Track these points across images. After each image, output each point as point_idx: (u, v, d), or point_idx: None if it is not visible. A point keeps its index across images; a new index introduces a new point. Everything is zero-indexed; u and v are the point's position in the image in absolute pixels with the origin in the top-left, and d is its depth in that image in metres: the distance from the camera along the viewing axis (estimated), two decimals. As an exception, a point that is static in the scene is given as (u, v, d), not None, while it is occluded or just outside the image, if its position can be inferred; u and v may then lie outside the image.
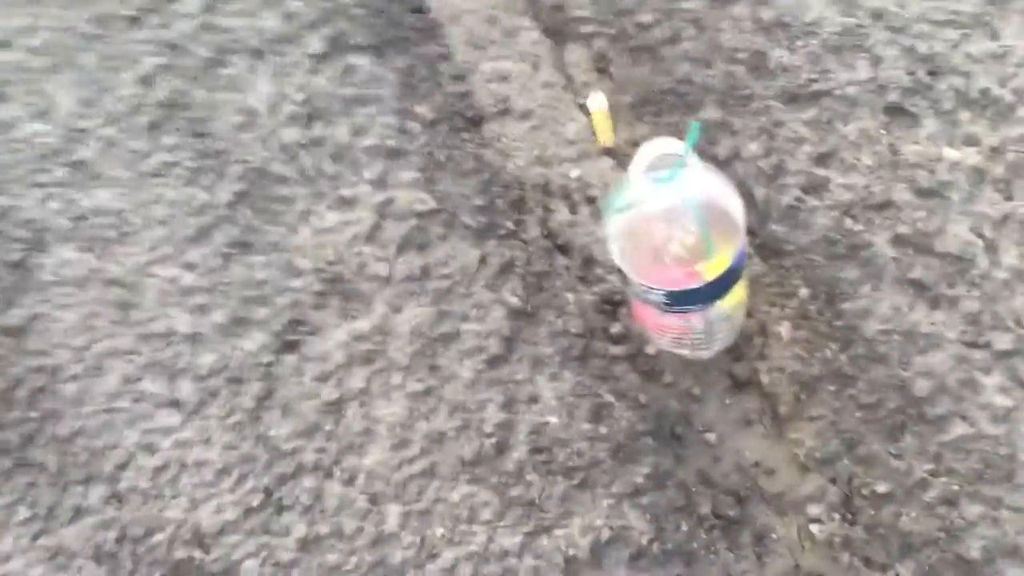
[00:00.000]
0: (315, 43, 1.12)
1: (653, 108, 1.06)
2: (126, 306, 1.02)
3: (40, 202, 1.08)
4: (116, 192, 1.07)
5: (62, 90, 1.13)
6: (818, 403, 0.89)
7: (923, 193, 0.93)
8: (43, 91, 1.14)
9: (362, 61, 1.11)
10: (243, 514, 0.92)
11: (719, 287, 0.78)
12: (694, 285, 0.76)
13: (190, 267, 1.02)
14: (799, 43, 1.03)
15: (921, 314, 0.89)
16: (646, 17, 1.08)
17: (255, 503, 0.92)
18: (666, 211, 0.72)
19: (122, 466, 0.95)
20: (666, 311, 0.80)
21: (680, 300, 0.78)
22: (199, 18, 1.15)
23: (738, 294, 0.85)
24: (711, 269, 0.75)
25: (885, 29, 1.01)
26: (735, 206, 0.75)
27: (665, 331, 0.90)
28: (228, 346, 0.98)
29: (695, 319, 0.85)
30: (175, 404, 0.97)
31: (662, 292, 0.77)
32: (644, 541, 0.87)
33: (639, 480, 0.89)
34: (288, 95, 1.09)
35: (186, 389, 0.97)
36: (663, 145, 0.69)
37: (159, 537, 0.92)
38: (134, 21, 1.16)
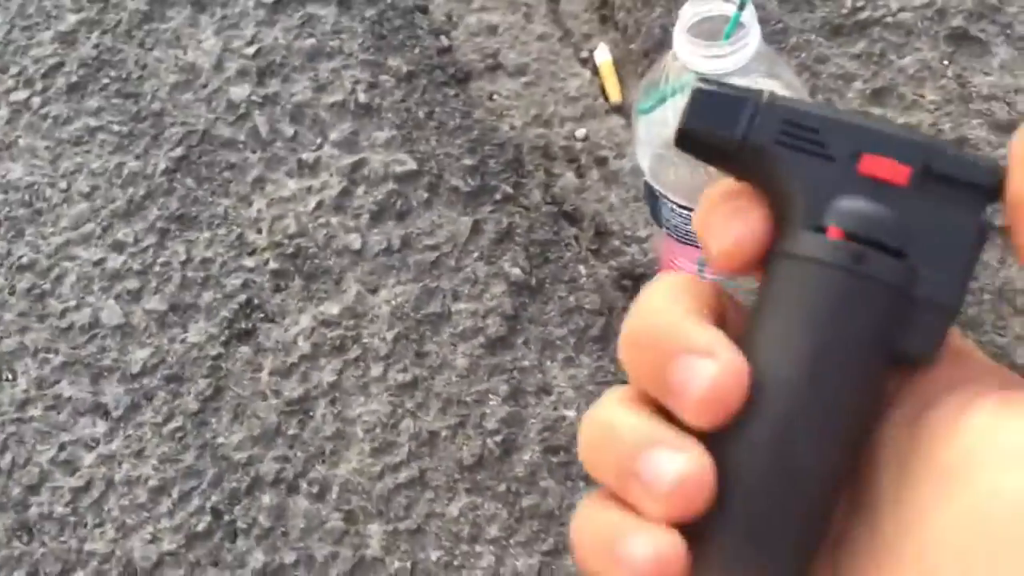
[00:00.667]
0: (268, -8, 0.95)
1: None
2: (40, 295, 0.83)
3: (-64, 178, 0.89)
4: (29, 164, 0.89)
5: (-33, 53, 0.95)
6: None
7: (1003, 128, 0.78)
8: (-57, 54, 0.96)
9: (324, 11, 0.94)
10: (186, 542, 0.73)
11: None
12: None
13: (118, 247, 0.84)
14: (838, -29, 0.88)
15: (1016, 268, 0.73)
16: (655, -47, 0.93)
17: (201, 527, 0.73)
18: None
19: (33, 489, 0.76)
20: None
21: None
22: (131, -31, 0.98)
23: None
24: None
25: (938, -49, 0.87)
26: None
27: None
28: (165, 338, 0.80)
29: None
30: (100, 410, 0.78)
31: None
32: (695, 557, 0.69)
33: (682, 482, 0.71)
34: (236, 49, 0.92)
35: (113, 392, 0.78)
36: (708, 2, 0.53)
37: (78, 576, 0.72)
38: (54, -26, 0.99)
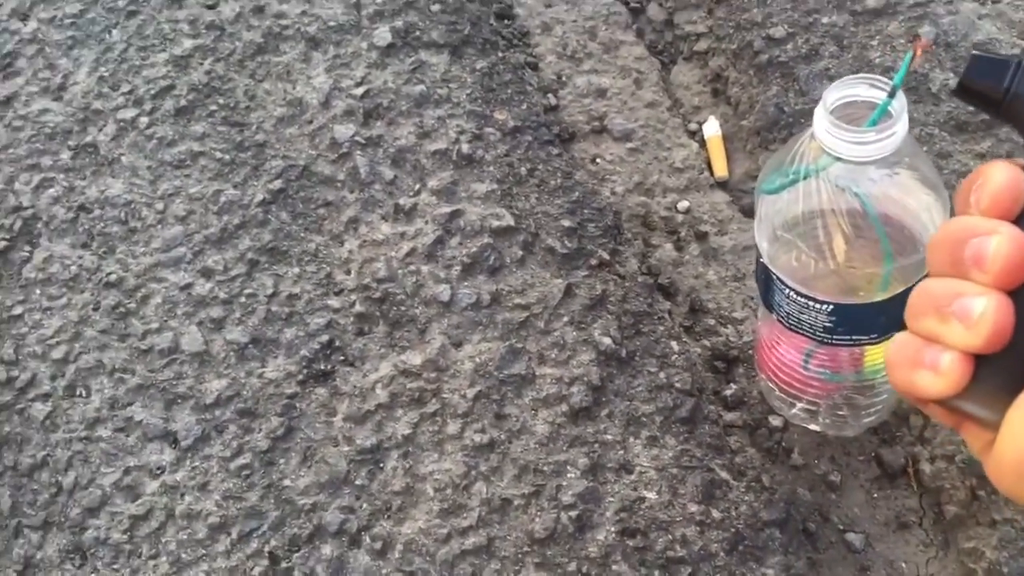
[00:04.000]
0: (382, 35, 0.95)
1: (781, 135, 0.87)
2: (124, 314, 0.82)
3: (35, 188, 0.89)
4: (128, 182, 0.89)
5: (81, 67, 0.96)
6: (1005, 501, 0.68)
7: None
8: (58, 66, 0.97)
9: (436, 59, 0.93)
10: (239, 585, 0.70)
11: (902, 309, 0.57)
12: (870, 299, 0.56)
13: (207, 273, 0.83)
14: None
15: None
16: (778, 31, 0.91)
17: (256, 572, 0.70)
18: (841, 195, 0.52)
19: (93, 511, 0.74)
20: (824, 343, 0.60)
21: (849, 322, 0.57)
22: (249, 0, 0.98)
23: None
24: (885, 283, 0.55)
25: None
26: (933, 201, 0.55)
27: (801, 392, 0.70)
28: (243, 371, 0.78)
29: (848, 365, 0.64)
30: (169, 438, 0.76)
31: (827, 307, 0.56)
32: (772, 666, 0.64)
33: (763, 583, 0.67)
34: (345, 89, 0.92)
35: (185, 420, 0.77)
36: (855, 86, 0.50)
37: (127, 607, 0.70)
38: (175, -1, 1.00)
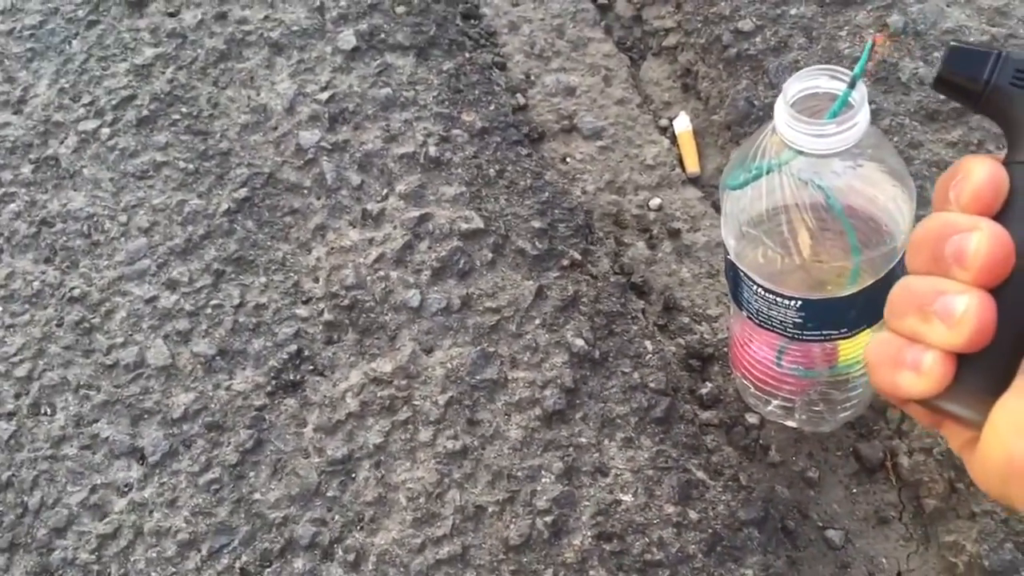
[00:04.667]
0: (347, 39, 0.93)
1: (752, 128, 0.86)
2: (88, 329, 0.81)
3: (-3, 203, 0.88)
4: (91, 194, 0.87)
5: (41, 79, 0.95)
6: (984, 493, 0.67)
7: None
8: (17, 79, 0.95)
9: (402, 62, 0.92)
10: (210, 602, 0.69)
11: (872, 303, 0.56)
12: (838, 293, 0.55)
13: (172, 285, 0.82)
14: (937, 55, 0.84)
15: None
16: (746, 24, 0.90)
17: (227, 588, 0.69)
18: (804, 189, 0.51)
19: (60, 531, 0.73)
20: (795, 339, 0.59)
21: (819, 317, 0.56)
22: (211, 7, 0.97)
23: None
24: (854, 276, 0.54)
25: (1046, 40, 0.83)
26: (899, 192, 0.54)
27: (776, 388, 0.69)
28: (211, 384, 0.77)
29: (821, 361, 0.63)
30: (136, 454, 0.75)
31: (796, 303, 0.55)
32: (752, 668, 0.63)
33: (742, 584, 0.66)
34: (310, 94, 0.90)
35: (152, 435, 0.75)
36: (816, 78, 0.49)
37: (95, 628, 0.69)
38: (135, 7, 0.98)
